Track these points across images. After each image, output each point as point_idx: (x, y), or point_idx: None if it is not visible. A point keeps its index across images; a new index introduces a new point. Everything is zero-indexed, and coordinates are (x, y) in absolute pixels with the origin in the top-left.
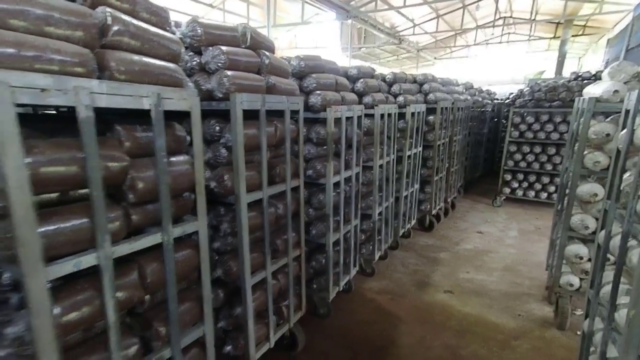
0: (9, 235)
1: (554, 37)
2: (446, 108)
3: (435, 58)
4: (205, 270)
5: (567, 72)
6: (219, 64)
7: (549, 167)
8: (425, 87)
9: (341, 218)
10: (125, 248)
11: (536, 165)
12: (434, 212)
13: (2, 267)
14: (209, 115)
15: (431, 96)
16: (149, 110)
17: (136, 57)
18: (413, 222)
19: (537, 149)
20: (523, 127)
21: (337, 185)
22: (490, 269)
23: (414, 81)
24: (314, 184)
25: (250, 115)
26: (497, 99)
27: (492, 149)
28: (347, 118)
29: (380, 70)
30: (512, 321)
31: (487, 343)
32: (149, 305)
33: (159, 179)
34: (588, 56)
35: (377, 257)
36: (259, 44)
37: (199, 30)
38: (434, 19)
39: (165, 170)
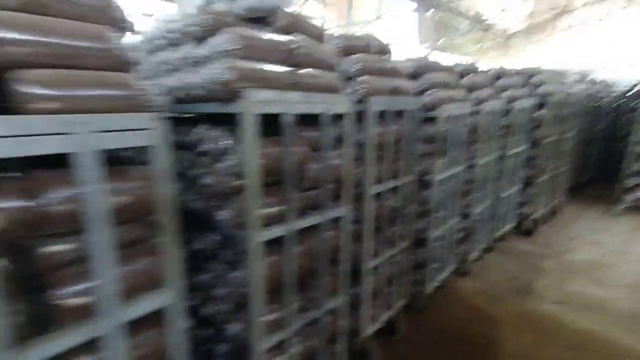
0: (241, 206)
1: None
2: (556, 103)
3: (527, 45)
4: (345, 250)
5: None
6: (356, 71)
7: None
8: (535, 79)
9: (445, 215)
10: (299, 224)
11: None
12: (534, 216)
13: (230, 231)
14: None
15: (540, 90)
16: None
17: (314, 71)
18: (510, 225)
19: None
20: None
21: (441, 182)
22: (611, 284)
23: (522, 74)
24: (419, 180)
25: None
26: (617, 91)
27: (606, 149)
28: (455, 116)
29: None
30: None
31: None
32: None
33: (322, 171)
34: None
35: (472, 257)
36: (383, 49)
37: (340, 42)
38: None
39: (328, 164)
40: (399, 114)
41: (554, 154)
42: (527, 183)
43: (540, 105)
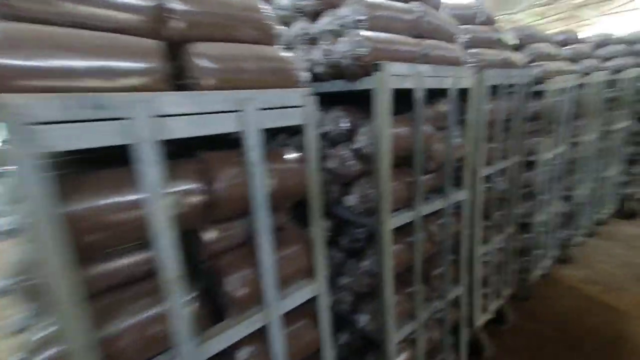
0: (370, 191)
1: None
2: None
3: (597, 15)
4: (466, 236)
5: None
6: (466, 43)
7: None
8: (638, 47)
9: (549, 198)
10: (426, 209)
11: None
12: (636, 196)
13: (356, 217)
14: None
15: None
16: (442, 90)
17: (439, 42)
18: (613, 207)
19: None
20: None
21: (546, 162)
22: None
23: (625, 41)
24: (525, 161)
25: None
26: None
27: None
28: (562, 89)
29: None
30: None
31: None
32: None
33: (446, 151)
34: None
35: (575, 243)
36: (489, 19)
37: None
38: None
39: (451, 144)
40: (509, 88)
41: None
42: (632, 161)
43: None
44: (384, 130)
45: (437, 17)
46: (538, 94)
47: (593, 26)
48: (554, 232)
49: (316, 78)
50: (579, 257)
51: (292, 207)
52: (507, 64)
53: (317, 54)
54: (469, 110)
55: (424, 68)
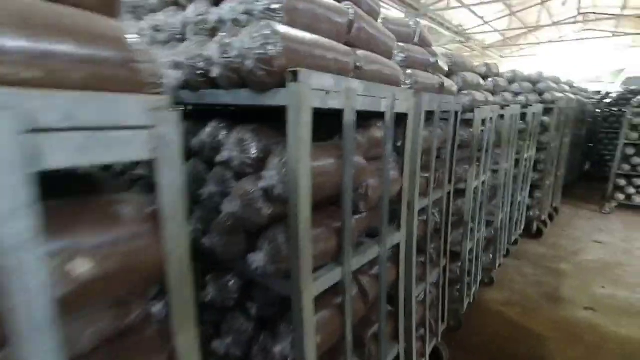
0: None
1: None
2: (561, 109)
3: (501, 56)
4: (403, 282)
5: None
6: (400, 63)
7: None
8: (541, 85)
9: (475, 225)
10: (359, 260)
11: None
12: (542, 218)
13: (268, 280)
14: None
15: (547, 95)
16: (377, 113)
17: (374, 56)
18: (522, 228)
19: None
20: None
21: (475, 190)
22: (631, 284)
23: (529, 80)
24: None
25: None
26: (594, 98)
27: (587, 153)
28: (485, 119)
29: None
30: None
31: None
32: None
33: (383, 186)
34: None
35: (497, 265)
36: (426, 40)
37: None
38: (505, 16)
39: (388, 177)
40: (443, 114)
41: (557, 158)
42: (535, 186)
43: (546, 111)
44: (302, 163)
45: (374, 27)
46: (465, 122)
47: (499, 65)
48: (479, 258)
49: (212, 84)
50: (499, 279)
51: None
52: (441, 90)
53: (214, 49)
54: (406, 138)
55: (357, 84)
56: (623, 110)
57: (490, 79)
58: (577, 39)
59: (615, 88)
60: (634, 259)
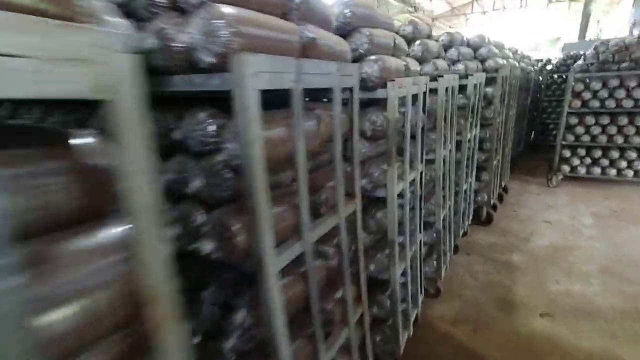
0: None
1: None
2: (505, 77)
3: (449, 26)
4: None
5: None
6: None
7: (619, 139)
8: (482, 51)
9: (407, 239)
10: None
11: (603, 139)
12: (492, 202)
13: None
14: (190, 103)
15: (490, 62)
16: None
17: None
18: (470, 218)
19: (605, 120)
20: (587, 95)
21: (400, 195)
22: (584, 273)
23: (468, 44)
24: (367, 198)
25: (271, 100)
26: (536, 65)
27: (532, 122)
28: (406, 96)
29: None
30: None
31: None
32: None
33: None
34: (607, 19)
35: (443, 273)
36: None
37: None
38: None
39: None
40: (313, 93)
41: (503, 134)
42: (481, 168)
43: (489, 81)
44: (253, 147)
45: None
46: (377, 103)
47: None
48: (417, 273)
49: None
50: (447, 285)
51: None
52: (310, 51)
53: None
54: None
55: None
56: (565, 76)
57: (418, 43)
58: (520, 7)
59: (553, 56)
60: (582, 240)
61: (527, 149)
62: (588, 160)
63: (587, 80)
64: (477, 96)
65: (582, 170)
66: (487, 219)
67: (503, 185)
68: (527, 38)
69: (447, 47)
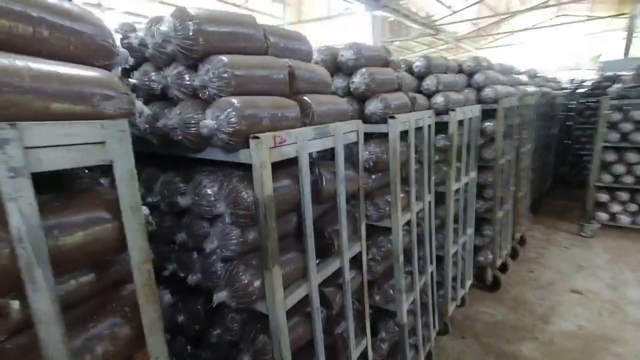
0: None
1: (617, 15)
2: (511, 108)
3: (476, 48)
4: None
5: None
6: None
7: None
8: (478, 78)
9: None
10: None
11: None
12: (498, 261)
13: None
14: None
15: (488, 91)
16: None
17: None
18: (469, 282)
19: None
20: (626, 126)
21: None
22: None
23: (460, 70)
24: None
25: None
26: (566, 88)
27: (562, 153)
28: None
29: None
30: None
31: None
32: None
33: None
34: None
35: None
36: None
37: None
38: (475, 4)
39: None
40: None
41: (513, 175)
42: (483, 220)
43: (489, 114)
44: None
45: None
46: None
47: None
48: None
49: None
50: None
51: None
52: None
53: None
54: None
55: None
56: (598, 100)
57: (362, 73)
58: (551, 25)
59: (593, 75)
60: (629, 327)
61: (557, 186)
62: (633, 207)
63: (626, 108)
64: (470, 134)
65: (625, 219)
66: (493, 283)
67: (518, 237)
68: (566, 56)
69: (422, 75)
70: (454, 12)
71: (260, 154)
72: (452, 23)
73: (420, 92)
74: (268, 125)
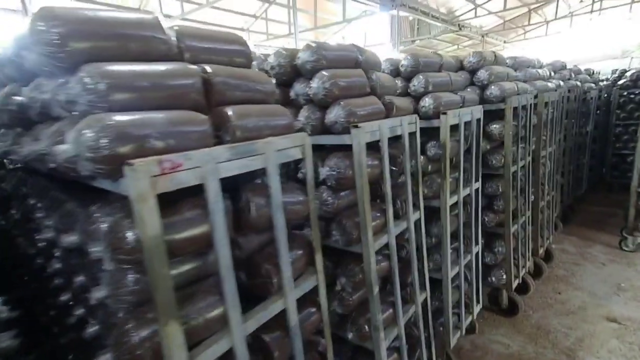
0: None
1: None
2: (524, 107)
3: (505, 42)
4: None
5: None
6: None
7: None
8: (481, 75)
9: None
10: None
11: None
12: (514, 282)
13: None
14: None
15: (493, 89)
16: None
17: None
18: (478, 307)
19: None
20: None
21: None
22: None
23: (460, 67)
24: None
25: None
26: (603, 81)
27: (600, 153)
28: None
29: None
30: None
31: None
32: None
33: None
34: None
35: None
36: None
37: None
38: None
39: None
40: None
41: (529, 183)
42: (493, 235)
43: (493, 114)
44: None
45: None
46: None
47: (504, 52)
48: None
49: None
50: None
51: None
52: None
53: None
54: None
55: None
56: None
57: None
58: (591, 11)
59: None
60: None
61: (594, 191)
62: None
63: None
64: (469, 140)
65: None
66: (509, 307)
67: (542, 252)
68: (609, 44)
69: (409, 75)
70: (477, 7)
71: (138, 184)
72: (475, 18)
73: (408, 94)
74: (162, 148)
